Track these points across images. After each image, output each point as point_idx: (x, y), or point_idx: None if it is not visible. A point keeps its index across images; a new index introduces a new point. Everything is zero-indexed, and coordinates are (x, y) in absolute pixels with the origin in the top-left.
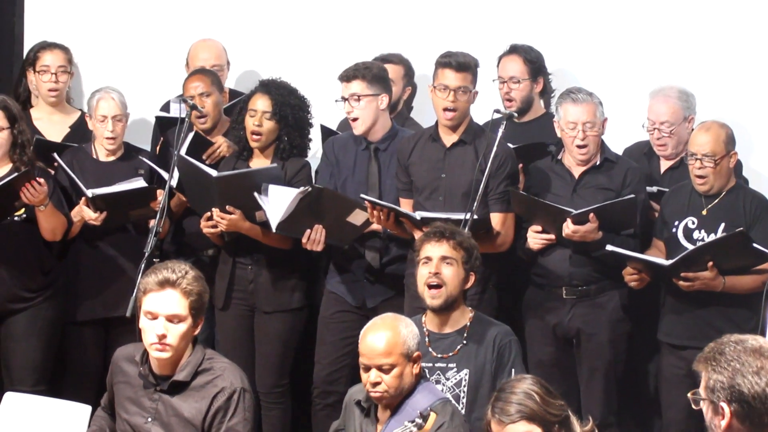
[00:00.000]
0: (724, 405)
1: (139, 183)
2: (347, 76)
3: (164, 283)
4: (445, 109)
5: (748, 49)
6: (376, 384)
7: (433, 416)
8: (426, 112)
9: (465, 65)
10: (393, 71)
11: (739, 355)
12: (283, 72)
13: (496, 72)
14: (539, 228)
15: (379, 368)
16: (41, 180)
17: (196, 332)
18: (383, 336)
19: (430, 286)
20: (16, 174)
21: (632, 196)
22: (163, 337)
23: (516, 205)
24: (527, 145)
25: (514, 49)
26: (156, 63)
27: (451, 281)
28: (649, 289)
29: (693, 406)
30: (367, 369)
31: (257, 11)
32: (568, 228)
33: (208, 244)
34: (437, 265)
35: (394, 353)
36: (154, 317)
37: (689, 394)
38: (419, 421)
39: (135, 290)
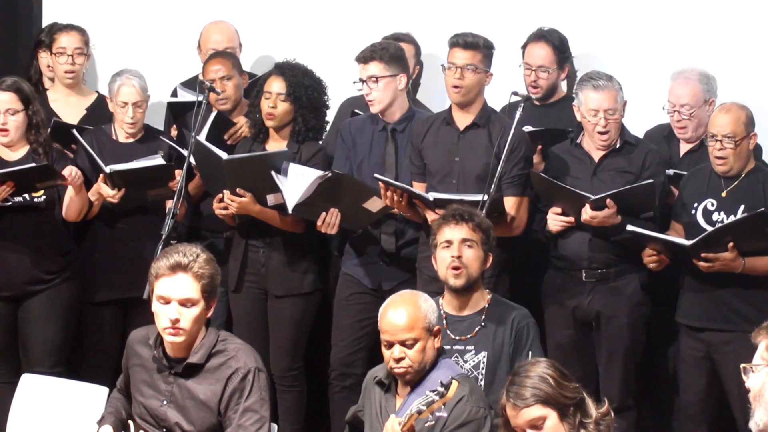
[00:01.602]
0: None
1: (158, 160)
2: (364, 58)
3: (176, 267)
4: (453, 86)
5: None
6: (399, 359)
7: (455, 384)
8: (434, 92)
9: (473, 44)
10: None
11: None
12: (298, 53)
13: (521, 56)
14: (559, 210)
15: (402, 343)
16: (71, 171)
17: (209, 315)
18: (405, 311)
19: (453, 268)
20: (33, 165)
21: (650, 181)
22: (176, 321)
23: (537, 186)
24: (547, 129)
25: (542, 36)
26: (169, 45)
27: (473, 263)
28: (668, 272)
29: (743, 377)
30: (390, 345)
31: None
32: (586, 214)
33: (224, 226)
34: (459, 248)
35: (416, 327)
36: (167, 302)
37: (742, 366)
38: (441, 389)
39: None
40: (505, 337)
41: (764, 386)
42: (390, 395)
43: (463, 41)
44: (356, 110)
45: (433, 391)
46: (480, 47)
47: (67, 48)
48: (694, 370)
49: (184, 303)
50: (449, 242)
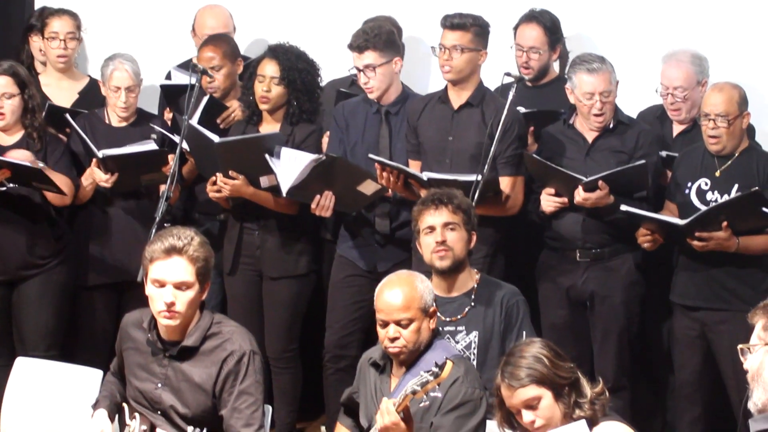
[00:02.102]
0: None
1: (151, 146)
2: (359, 47)
3: (170, 251)
4: (442, 67)
5: (762, 12)
6: (394, 339)
7: (449, 365)
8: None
9: (460, 25)
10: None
11: None
12: (288, 36)
13: (513, 37)
14: (552, 191)
15: (398, 323)
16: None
17: (203, 297)
18: (401, 291)
19: (437, 251)
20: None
21: (642, 162)
22: (171, 304)
23: (530, 167)
24: (539, 111)
25: (533, 17)
26: (162, 28)
27: (457, 245)
28: (662, 252)
29: (741, 358)
30: (385, 325)
31: None
32: (579, 196)
33: (218, 209)
34: (442, 233)
35: (412, 308)
36: (162, 285)
37: (739, 346)
38: (435, 369)
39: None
40: (495, 316)
41: (762, 366)
42: (385, 376)
43: (450, 22)
44: (342, 89)
45: (428, 372)
46: (468, 27)
47: (59, 33)
48: (689, 349)
49: (180, 286)
50: (431, 228)
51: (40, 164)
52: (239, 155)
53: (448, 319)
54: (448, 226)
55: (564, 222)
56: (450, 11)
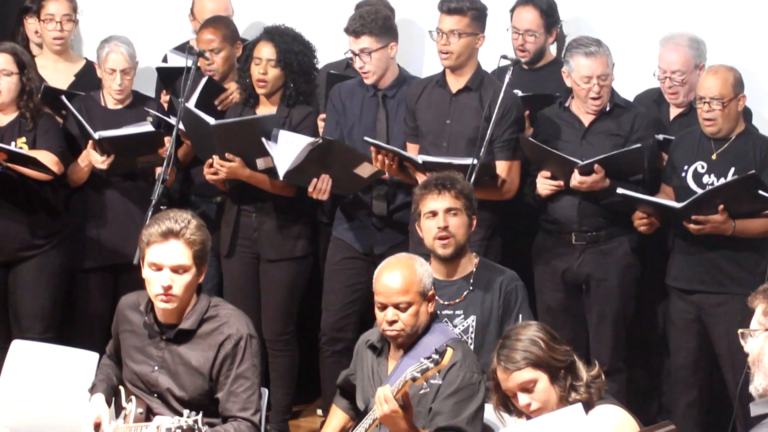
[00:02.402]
0: None
1: (147, 127)
2: (355, 31)
3: (167, 234)
4: (440, 52)
5: None
6: (392, 322)
7: (450, 351)
8: (411, 57)
9: (457, 9)
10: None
11: None
12: (287, 19)
13: (509, 20)
14: (548, 174)
15: (396, 306)
16: None
17: (200, 280)
18: (400, 274)
19: (440, 238)
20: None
21: (638, 145)
22: (168, 288)
23: (526, 151)
24: (535, 95)
25: (530, 0)
26: (159, 10)
27: (459, 230)
28: (658, 235)
29: (741, 342)
30: (384, 307)
31: None
32: (575, 179)
33: (215, 191)
34: (444, 218)
35: (411, 291)
36: (159, 268)
37: (740, 331)
38: (436, 356)
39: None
40: (493, 300)
41: (762, 351)
42: (382, 359)
43: (447, 7)
44: (332, 71)
45: (428, 358)
46: (465, 11)
47: (56, 15)
48: (685, 332)
49: (177, 269)
50: (434, 212)
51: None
52: (235, 137)
53: (446, 302)
54: (450, 211)
55: (560, 205)
56: None
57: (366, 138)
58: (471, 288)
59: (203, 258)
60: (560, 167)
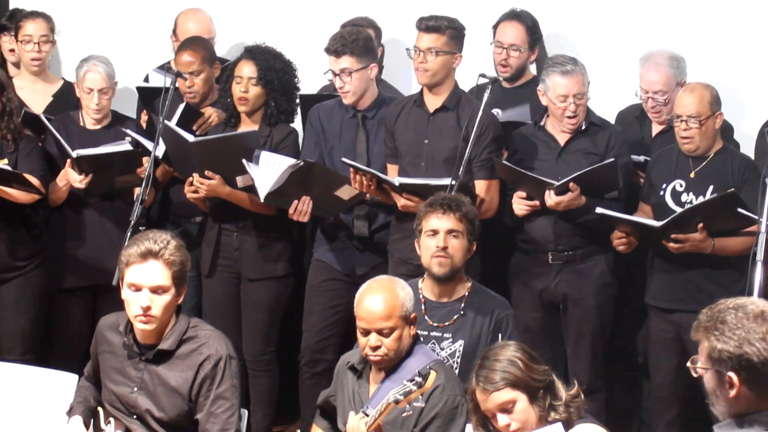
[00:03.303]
0: (732, 374)
1: (125, 146)
2: (336, 51)
3: (147, 255)
4: (417, 69)
5: (737, 12)
6: (376, 348)
7: (433, 374)
8: (399, 74)
9: (435, 27)
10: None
11: (742, 322)
12: (265, 38)
13: (492, 35)
14: (524, 194)
15: (379, 332)
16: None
17: (179, 301)
18: (382, 299)
19: (437, 256)
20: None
21: (612, 160)
22: (147, 309)
23: (500, 173)
24: (510, 122)
25: (516, 15)
26: (139, 31)
27: (457, 253)
28: (636, 254)
29: (693, 374)
30: (366, 333)
31: None
32: (551, 200)
33: (195, 211)
34: (444, 239)
35: (393, 316)
36: (138, 289)
37: (689, 363)
38: (419, 379)
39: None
40: (483, 327)
41: (715, 391)
42: (363, 381)
43: (425, 25)
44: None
45: (411, 381)
46: (443, 30)
47: (34, 36)
48: (664, 351)
49: (156, 290)
50: (435, 231)
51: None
52: (215, 155)
53: (436, 324)
54: (452, 233)
55: (536, 225)
56: (429, 12)
57: (344, 159)
58: (462, 312)
59: (182, 279)
60: (536, 188)
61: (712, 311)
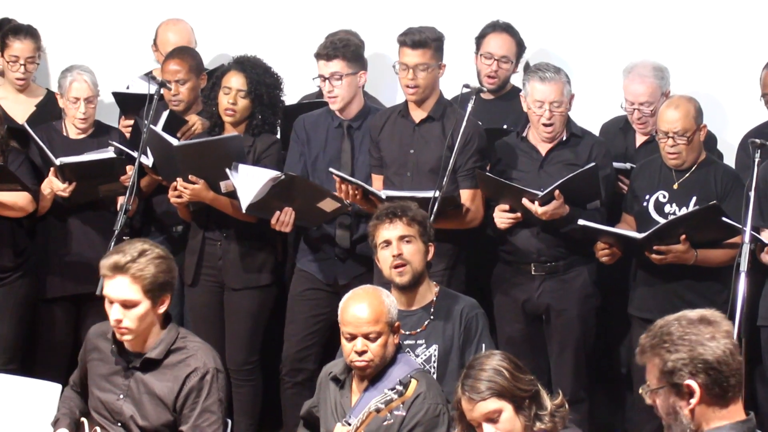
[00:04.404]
0: (690, 381)
1: (108, 154)
2: (328, 55)
3: (114, 269)
4: (407, 86)
5: (719, 22)
6: (362, 353)
7: (414, 383)
8: (382, 87)
9: (421, 42)
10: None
11: (688, 328)
12: (251, 50)
13: (476, 46)
14: (506, 207)
15: (366, 336)
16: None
17: (160, 310)
18: (369, 305)
19: (396, 266)
20: None
21: (593, 164)
22: (119, 321)
23: (482, 186)
24: (489, 129)
25: (506, 28)
26: (120, 41)
27: (414, 258)
28: (619, 264)
29: (648, 401)
30: (353, 338)
31: None
32: (538, 210)
33: (177, 221)
34: (398, 246)
35: (380, 321)
36: (111, 302)
37: (640, 391)
38: (400, 388)
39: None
40: (454, 329)
41: (673, 407)
42: (345, 391)
43: (411, 40)
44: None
45: (392, 390)
46: (429, 44)
47: (20, 57)
48: None
49: (125, 304)
50: (387, 242)
51: None
52: (199, 159)
53: (408, 332)
54: (404, 239)
55: (518, 236)
56: (410, 23)
57: (331, 169)
58: (432, 317)
59: (160, 290)
60: (518, 199)
61: (652, 332)
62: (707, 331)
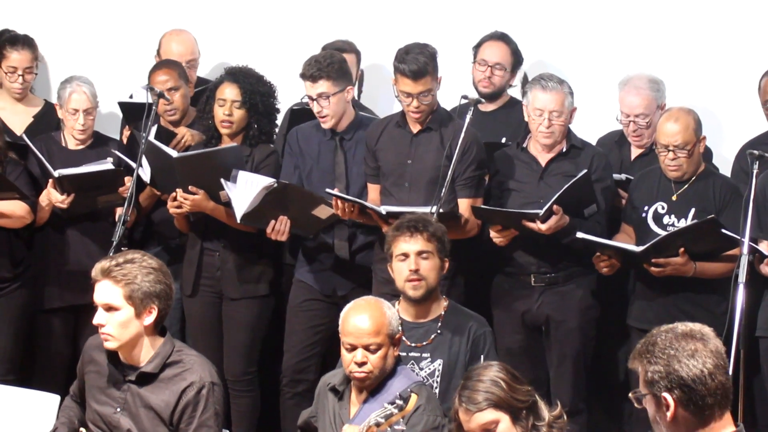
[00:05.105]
0: (666, 395)
1: (107, 165)
2: (312, 76)
3: (100, 273)
4: (412, 113)
5: (715, 35)
6: (362, 364)
7: (414, 397)
8: (378, 98)
9: (421, 72)
10: (347, 60)
11: (671, 342)
12: (252, 60)
13: (473, 56)
14: (499, 227)
15: (366, 347)
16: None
17: (146, 321)
18: (370, 316)
19: (411, 280)
20: None
21: (584, 171)
22: (100, 326)
23: (480, 217)
24: (488, 143)
25: (501, 37)
26: (122, 51)
27: (430, 274)
28: (618, 276)
29: (636, 405)
30: (353, 349)
31: None
32: (541, 228)
33: (174, 233)
34: (416, 261)
35: (381, 333)
36: (97, 307)
37: (630, 394)
38: (400, 402)
39: None
40: (461, 345)
41: (656, 416)
42: (344, 402)
43: (411, 71)
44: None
45: (392, 404)
46: (428, 70)
47: (19, 68)
48: None
49: (107, 308)
50: (405, 255)
51: None
52: (198, 170)
53: (413, 344)
54: (422, 254)
55: (518, 247)
56: (408, 34)
57: (328, 190)
58: (439, 331)
59: (144, 299)
60: (519, 222)
61: (647, 338)
62: (690, 347)
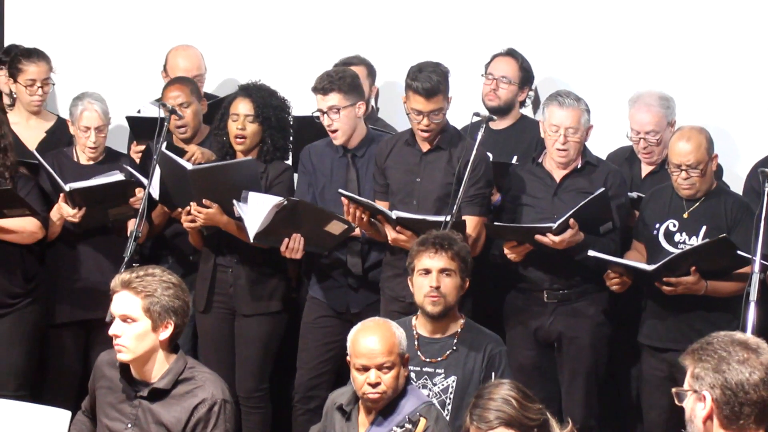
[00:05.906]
0: (706, 393)
1: (117, 177)
2: (323, 89)
3: (120, 284)
4: (422, 132)
5: (726, 52)
6: (376, 384)
7: (423, 421)
8: (395, 111)
9: (433, 90)
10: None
11: (726, 345)
12: (261, 76)
13: (485, 68)
14: (513, 243)
15: (380, 368)
16: None
17: (162, 336)
18: (382, 336)
19: (430, 296)
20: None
21: (602, 189)
22: (116, 336)
23: (494, 234)
24: (495, 163)
25: (511, 53)
26: (129, 67)
27: (450, 292)
28: (630, 293)
29: (677, 402)
30: (365, 369)
31: (230, 14)
32: (555, 242)
33: (188, 248)
34: (437, 278)
35: (393, 352)
36: (114, 318)
37: (673, 390)
38: (409, 426)
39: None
40: (476, 363)
41: (692, 413)
42: (351, 423)
43: (424, 90)
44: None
45: (401, 428)
46: (440, 89)
47: (37, 80)
48: (657, 390)
49: (125, 319)
50: (427, 270)
51: None
52: (212, 183)
53: (428, 359)
54: (444, 272)
55: (531, 264)
56: (421, 52)
57: (340, 190)
58: (454, 348)
59: (163, 312)
60: (532, 237)
61: (703, 338)
62: (742, 354)
